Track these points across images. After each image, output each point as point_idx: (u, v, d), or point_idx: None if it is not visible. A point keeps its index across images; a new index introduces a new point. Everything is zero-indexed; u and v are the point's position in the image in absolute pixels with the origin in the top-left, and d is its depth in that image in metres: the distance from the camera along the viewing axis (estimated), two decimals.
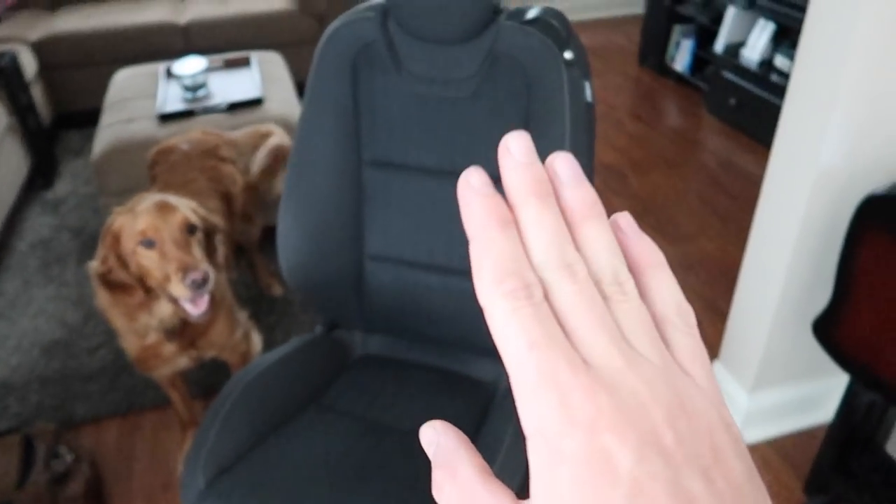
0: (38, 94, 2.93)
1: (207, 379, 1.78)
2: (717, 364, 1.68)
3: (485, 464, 0.22)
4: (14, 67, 2.62)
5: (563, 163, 0.22)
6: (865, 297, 1.22)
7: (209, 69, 2.38)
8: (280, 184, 1.94)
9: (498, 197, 0.21)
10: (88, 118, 2.88)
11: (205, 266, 1.19)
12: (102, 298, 1.26)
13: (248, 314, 1.54)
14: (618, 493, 0.17)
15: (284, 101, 2.28)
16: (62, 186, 2.74)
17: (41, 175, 2.76)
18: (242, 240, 1.88)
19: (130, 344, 1.33)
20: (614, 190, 2.67)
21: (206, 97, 2.23)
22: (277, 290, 2.07)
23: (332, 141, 1.11)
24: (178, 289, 1.18)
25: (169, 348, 1.33)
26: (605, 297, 0.20)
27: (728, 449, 0.19)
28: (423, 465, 0.92)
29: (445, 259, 1.14)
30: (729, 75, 3.04)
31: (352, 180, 1.13)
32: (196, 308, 1.21)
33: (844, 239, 1.24)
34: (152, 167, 1.68)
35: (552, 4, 4.62)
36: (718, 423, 0.19)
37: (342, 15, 1.08)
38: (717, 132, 3.12)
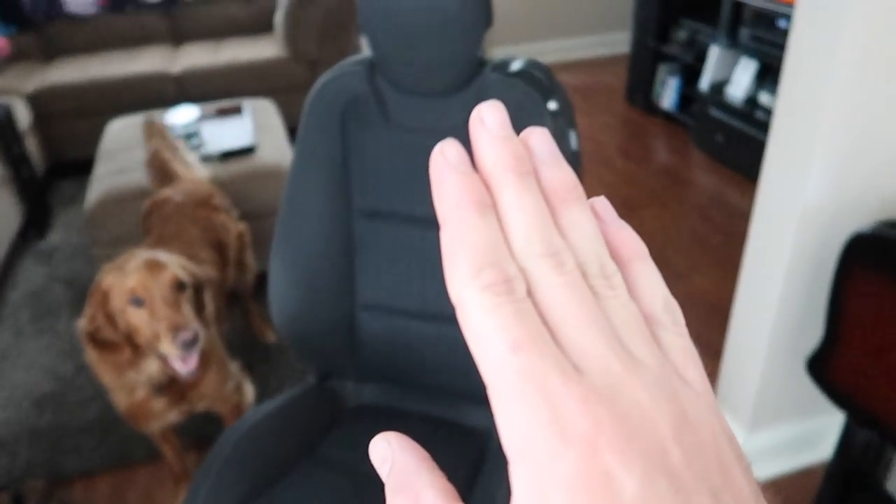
0: (32, 144, 2.96)
1: (200, 429, 1.76)
2: None
3: (451, 487, 0.19)
4: (8, 120, 2.65)
5: (540, 138, 0.19)
6: (856, 334, 1.22)
7: (202, 118, 2.41)
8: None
9: (476, 176, 0.18)
10: (82, 167, 2.90)
11: (195, 325, 1.19)
12: (91, 355, 1.26)
13: (240, 364, 1.54)
14: None
15: (277, 148, 2.30)
16: (55, 236, 2.74)
17: (34, 225, 2.76)
18: (237, 287, 1.88)
19: (120, 400, 1.32)
20: None
21: (198, 146, 2.25)
22: (272, 338, 2.06)
23: (321, 192, 1.12)
24: (168, 348, 1.18)
25: (159, 403, 1.32)
26: (592, 293, 0.18)
27: (735, 466, 0.16)
28: None
29: (437, 307, 1.14)
30: (715, 112, 3.09)
31: (342, 230, 1.14)
32: (186, 366, 1.20)
33: (833, 277, 1.25)
34: (146, 219, 1.69)
35: (541, 44, 4.69)
36: (722, 436, 0.17)
37: (330, 69, 1.11)
38: (706, 168, 3.15)
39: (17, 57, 3.34)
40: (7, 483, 1.64)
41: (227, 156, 2.19)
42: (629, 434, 0.15)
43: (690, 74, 3.39)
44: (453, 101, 1.05)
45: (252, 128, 2.38)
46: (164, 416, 1.36)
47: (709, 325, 2.12)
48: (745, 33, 2.96)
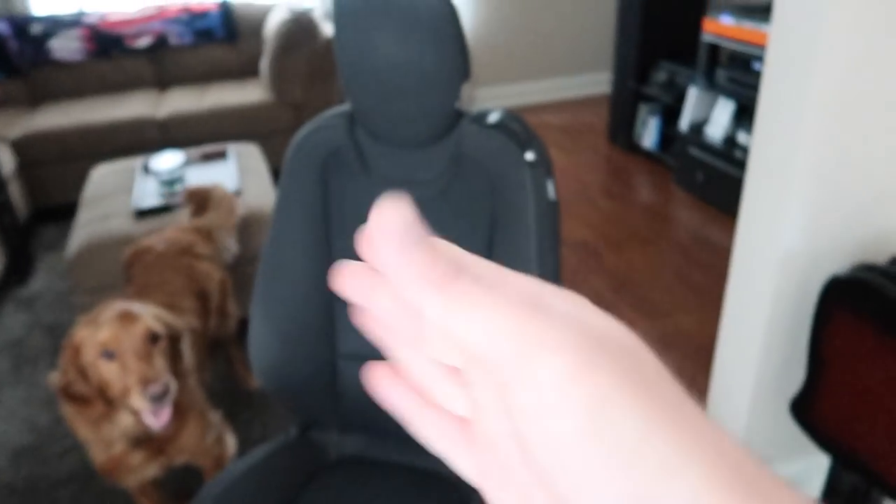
0: (15, 189, 2.95)
1: (181, 482, 1.72)
2: None
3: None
4: None
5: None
6: (837, 377, 1.22)
7: (186, 163, 2.42)
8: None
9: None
10: (66, 212, 2.89)
11: (166, 378, 1.18)
12: (66, 410, 1.24)
13: (221, 414, 1.51)
14: None
15: (261, 192, 2.31)
16: (37, 282, 2.72)
17: (16, 271, 2.74)
18: (219, 334, 1.87)
19: (96, 455, 1.29)
20: (590, 267, 2.70)
21: (182, 192, 2.25)
22: (254, 384, 2.04)
23: (302, 242, 1.12)
24: (138, 401, 1.16)
25: (136, 457, 1.29)
26: None
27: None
28: None
29: None
30: (695, 151, 3.14)
31: (322, 280, 1.14)
32: (157, 420, 1.19)
33: (812, 319, 1.26)
34: (128, 268, 1.68)
35: (525, 84, 4.76)
36: None
37: (310, 122, 1.12)
38: (688, 206, 3.19)
39: (3, 103, 3.35)
40: None
41: None
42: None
43: (670, 114, 3.46)
44: (432, 151, 1.07)
45: (236, 172, 2.39)
46: (142, 470, 1.33)
47: (694, 364, 2.12)
48: (721, 75, 3.03)
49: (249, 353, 1.15)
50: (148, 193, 2.29)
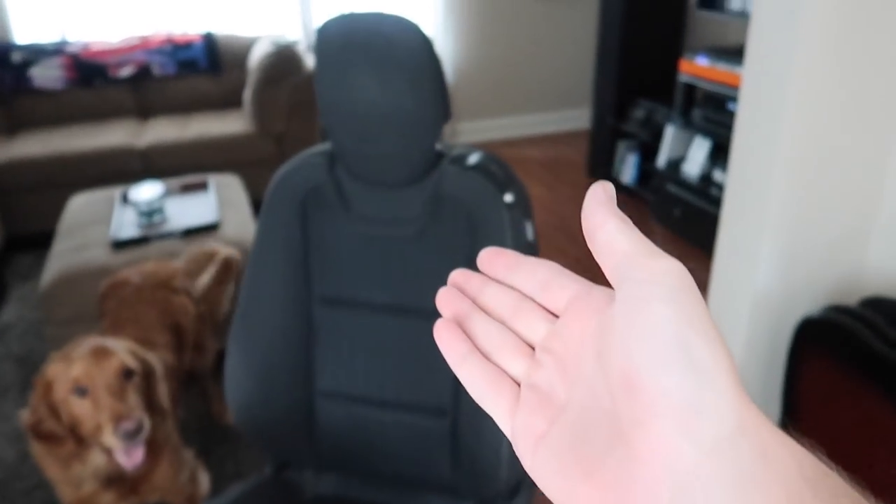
0: None
1: None
2: None
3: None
4: None
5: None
6: (811, 418, 1.24)
7: (166, 194, 2.41)
8: (229, 298, 1.93)
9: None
10: (42, 241, 2.85)
11: (139, 414, 1.16)
12: (35, 448, 1.21)
13: (194, 452, 1.49)
14: None
15: (240, 224, 2.30)
16: (9, 312, 2.67)
17: None
18: (195, 369, 1.84)
19: (65, 494, 1.26)
20: None
21: (161, 223, 2.24)
22: (230, 419, 2.00)
23: (281, 279, 1.12)
24: (110, 439, 1.14)
25: (107, 497, 1.26)
26: None
27: None
28: None
29: (396, 395, 1.13)
30: (672, 188, 3.19)
31: (301, 317, 1.13)
32: (130, 460, 1.16)
33: (786, 360, 1.27)
34: (103, 301, 1.66)
35: (506, 118, 4.83)
36: None
37: (291, 160, 1.12)
38: (666, 241, 3.23)
39: None
40: None
41: (190, 233, 2.18)
42: None
43: (648, 151, 3.52)
44: (412, 192, 1.07)
45: (216, 204, 2.38)
46: None
47: None
48: (697, 114, 3.10)
49: (225, 388, 1.14)
50: (126, 224, 2.27)
